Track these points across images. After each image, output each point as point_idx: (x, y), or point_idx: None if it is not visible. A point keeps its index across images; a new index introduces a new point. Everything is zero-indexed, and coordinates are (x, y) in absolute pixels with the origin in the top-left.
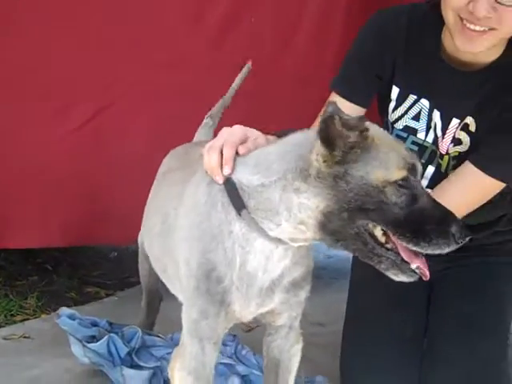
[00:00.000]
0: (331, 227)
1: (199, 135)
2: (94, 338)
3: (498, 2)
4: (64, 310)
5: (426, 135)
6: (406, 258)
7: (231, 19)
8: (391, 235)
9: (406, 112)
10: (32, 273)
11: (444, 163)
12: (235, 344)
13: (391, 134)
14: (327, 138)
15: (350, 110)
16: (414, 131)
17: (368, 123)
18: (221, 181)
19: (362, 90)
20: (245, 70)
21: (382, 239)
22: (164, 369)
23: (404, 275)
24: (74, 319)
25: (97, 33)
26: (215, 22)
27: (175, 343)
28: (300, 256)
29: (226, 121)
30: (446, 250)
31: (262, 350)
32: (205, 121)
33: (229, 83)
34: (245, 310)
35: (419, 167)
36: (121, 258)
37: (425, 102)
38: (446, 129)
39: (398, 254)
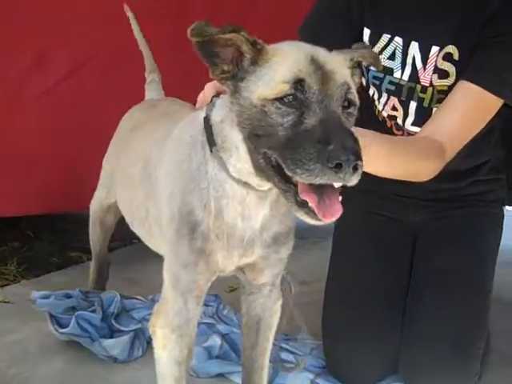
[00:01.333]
0: (251, 160)
1: (149, 92)
2: (74, 309)
3: None
4: (35, 294)
5: (402, 73)
6: (300, 194)
7: None
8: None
9: (380, 52)
10: (13, 239)
11: (427, 96)
12: (217, 303)
13: (368, 78)
14: (204, 47)
15: None
16: (390, 71)
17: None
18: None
19: (327, 39)
20: (131, 15)
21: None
22: (146, 330)
23: (301, 214)
24: (48, 298)
25: None
26: None
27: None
28: (281, 213)
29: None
30: (323, 180)
31: (242, 309)
32: (148, 78)
33: None
34: (227, 260)
35: (314, 80)
36: None
37: (398, 40)
38: (427, 58)
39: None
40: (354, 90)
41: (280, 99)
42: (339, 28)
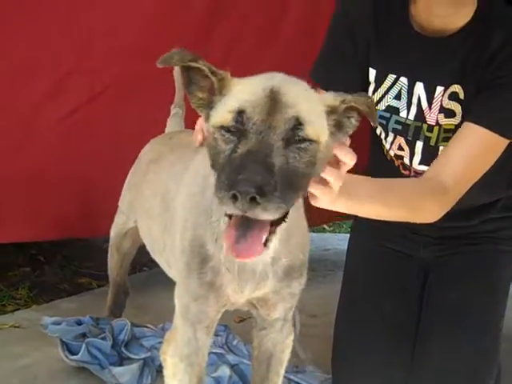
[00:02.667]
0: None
1: (170, 125)
2: (84, 336)
3: None
4: (46, 320)
5: (408, 113)
6: (226, 227)
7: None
8: None
9: (386, 92)
10: (24, 264)
11: (434, 135)
12: (226, 334)
13: None
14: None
15: None
16: (396, 110)
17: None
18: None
19: (340, 81)
20: None
21: None
22: (155, 358)
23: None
24: (59, 324)
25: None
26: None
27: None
28: (292, 245)
29: None
30: (229, 209)
31: (253, 343)
32: (173, 111)
33: None
34: (238, 294)
35: (257, 112)
36: None
37: (403, 80)
38: (432, 98)
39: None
40: (310, 126)
41: (225, 127)
42: (349, 70)
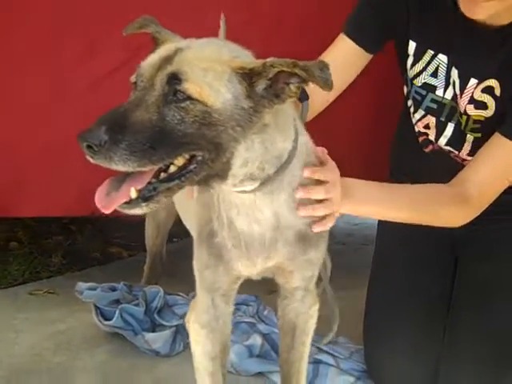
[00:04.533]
0: None
1: None
2: (118, 302)
3: None
4: (81, 285)
5: (445, 91)
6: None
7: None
8: None
9: (424, 68)
10: (57, 232)
11: (463, 121)
12: (257, 304)
13: (410, 90)
14: None
15: (356, 53)
16: (433, 88)
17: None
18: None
19: (372, 36)
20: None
21: None
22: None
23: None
24: (94, 289)
25: None
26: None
27: None
28: None
29: None
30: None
31: (278, 312)
32: None
33: None
34: (250, 268)
35: (146, 69)
36: (144, 221)
37: (443, 58)
38: (464, 88)
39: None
40: (191, 83)
41: (134, 83)
42: (385, 31)
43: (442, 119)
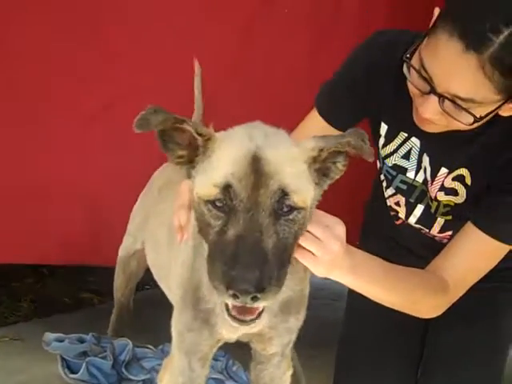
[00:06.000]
0: None
1: None
2: (86, 354)
3: (445, 111)
4: (49, 336)
5: (416, 174)
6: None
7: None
8: None
9: (395, 150)
10: (28, 275)
11: (434, 207)
12: (226, 359)
13: (382, 167)
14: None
15: (330, 129)
16: (404, 170)
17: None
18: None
19: (344, 119)
20: (197, 71)
21: None
22: (154, 380)
23: (226, 316)
24: (62, 341)
25: None
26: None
27: (165, 355)
28: (289, 279)
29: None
30: (225, 299)
31: (250, 376)
32: None
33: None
34: (232, 333)
35: (243, 186)
36: None
37: (415, 141)
38: (435, 176)
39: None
40: (296, 195)
41: (212, 202)
42: (357, 111)
43: (412, 200)
